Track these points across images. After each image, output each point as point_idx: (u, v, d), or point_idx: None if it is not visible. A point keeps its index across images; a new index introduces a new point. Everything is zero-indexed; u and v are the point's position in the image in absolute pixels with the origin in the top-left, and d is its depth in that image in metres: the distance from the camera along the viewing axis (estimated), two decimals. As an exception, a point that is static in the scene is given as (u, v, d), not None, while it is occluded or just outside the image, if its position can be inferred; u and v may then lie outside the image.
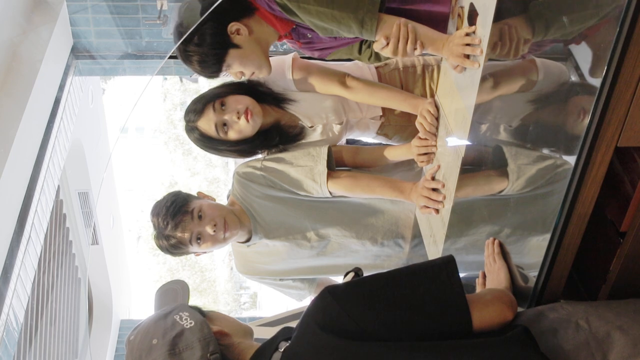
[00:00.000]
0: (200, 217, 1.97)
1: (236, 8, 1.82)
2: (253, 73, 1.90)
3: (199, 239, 1.98)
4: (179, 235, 1.97)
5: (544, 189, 1.47)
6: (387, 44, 1.70)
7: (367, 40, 1.90)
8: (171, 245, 1.99)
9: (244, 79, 1.97)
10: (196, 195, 2.09)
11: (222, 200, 2.21)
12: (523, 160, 1.63)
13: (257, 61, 1.87)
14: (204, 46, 1.79)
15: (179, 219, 1.96)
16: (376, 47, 1.76)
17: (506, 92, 1.60)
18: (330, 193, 2.05)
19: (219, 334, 1.36)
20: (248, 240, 2.12)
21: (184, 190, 2.13)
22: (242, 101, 1.99)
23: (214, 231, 1.97)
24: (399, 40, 1.68)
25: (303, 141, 2.14)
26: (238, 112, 1.97)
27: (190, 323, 1.34)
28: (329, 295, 1.25)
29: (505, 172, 1.62)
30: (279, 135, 2.09)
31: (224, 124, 1.98)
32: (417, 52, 1.70)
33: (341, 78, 2.04)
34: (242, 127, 1.98)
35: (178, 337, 1.31)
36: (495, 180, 1.68)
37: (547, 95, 1.45)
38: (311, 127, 2.12)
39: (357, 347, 1.19)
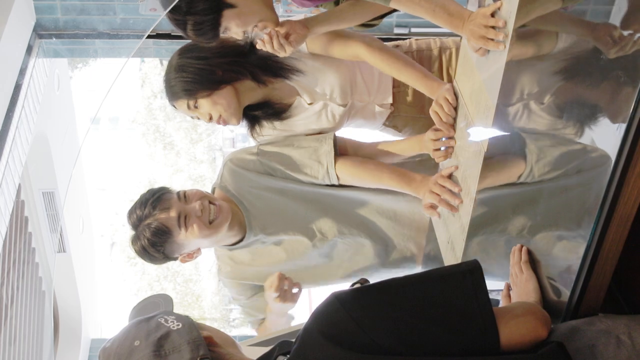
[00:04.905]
0: (185, 198, 2.01)
1: None
2: (256, 26, 1.86)
3: (185, 218, 1.97)
4: (163, 217, 1.96)
5: (573, 179, 1.46)
6: None
7: None
8: (153, 233, 1.96)
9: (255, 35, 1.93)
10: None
11: None
12: (545, 142, 1.61)
13: (258, 16, 1.84)
14: (195, 13, 1.78)
15: (162, 199, 1.99)
16: None
17: (526, 56, 1.57)
18: (337, 178, 2.05)
19: (209, 340, 1.35)
20: (240, 241, 2.11)
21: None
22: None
23: (202, 210, 1.98)
24: None
25: (295, 117, 2.13)
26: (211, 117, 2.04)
27: (178, 325, 1.33)
28: (337, 302, 1.24)
29: (523, 153, 1.62)
30: (267, 111, 2.12)
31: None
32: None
33: (363, 36, 2.04)
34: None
35: (164, 339, 1.30)
36: (511, 164, 1.67)
37: (575, 60, 1.42)
38: (310, 103, 2.11)
39: None
